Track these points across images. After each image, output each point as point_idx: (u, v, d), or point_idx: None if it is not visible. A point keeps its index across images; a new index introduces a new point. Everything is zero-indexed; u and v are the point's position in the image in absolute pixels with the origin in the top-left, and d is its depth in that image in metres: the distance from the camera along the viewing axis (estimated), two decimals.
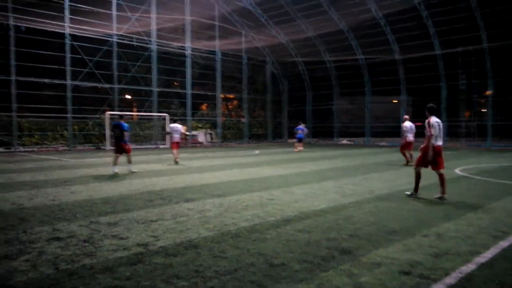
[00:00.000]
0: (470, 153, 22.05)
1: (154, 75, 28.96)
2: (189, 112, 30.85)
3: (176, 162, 15.39)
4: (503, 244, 5.01)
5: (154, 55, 28.73)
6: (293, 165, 15.30)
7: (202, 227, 5.85)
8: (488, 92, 27.86)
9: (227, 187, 9.59)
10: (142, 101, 30.14)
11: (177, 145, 15.86)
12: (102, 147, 25.34)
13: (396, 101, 34.13)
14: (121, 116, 13.60)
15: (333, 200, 7.96)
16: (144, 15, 27.68)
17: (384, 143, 32.05)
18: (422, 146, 8.21)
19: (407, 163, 14.76)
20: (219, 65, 32.75)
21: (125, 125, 12.59)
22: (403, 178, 11.25)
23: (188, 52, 30.54)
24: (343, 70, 34.59)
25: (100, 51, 26.09)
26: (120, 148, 12.60)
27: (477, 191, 9.04)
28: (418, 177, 8.29)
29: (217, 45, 32.23)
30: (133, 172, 12.41)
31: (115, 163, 12.29)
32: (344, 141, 34.51)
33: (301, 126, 24.38)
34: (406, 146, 15.17)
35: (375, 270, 4.15)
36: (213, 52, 32.39)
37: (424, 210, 7.03)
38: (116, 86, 27.08)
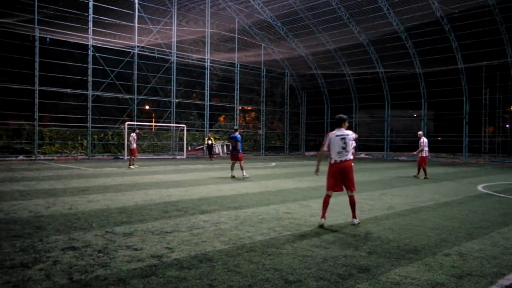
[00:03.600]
0: (493, 169, 21.46)
1: (174, 86, 29.30)
2: (207, 123, 31.03)
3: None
4: None
5: (173, 67, 29.11)
6: (310, 178, 15.13)
7: (217, 240, 5.78)
8: None
9: (243, 200, 9.51)
10: (161, 112, 30.50)
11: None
12: (121, 157, 25.64)
13: (416, 115, 33.63)
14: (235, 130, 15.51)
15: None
16: (165, 27, 28.16)
17: (403, 158, 31.51)
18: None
19: (425, 177, 15.40)
20: (238, 77, 32.95)
21: (239, 136, 14.82)
22: (425, 194, 10.98)
23: (207, 64, 30.85)
24: (363, 83, 34.36)
25: (122, 63, 26.57)
26: (235, 156, 14.89)
27: (501, 210, 8.72)
28: (327, 202, 6.95)
29: (236, 57, 32.48)
30: (245, 177, 14.44)
31: (232, 169, 14.96)
32: (362, 155, 34.09)
33: None
34: (423, 161, 15.68)
35: None
36: (232, 64, 32.64)
37: (446, 228, 6.80)
38: (136, 96, 27.48)
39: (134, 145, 19.38)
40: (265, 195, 10.42)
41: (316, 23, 31.35)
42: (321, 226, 6.71)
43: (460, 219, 7.61)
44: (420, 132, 16.42)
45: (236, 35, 32.07)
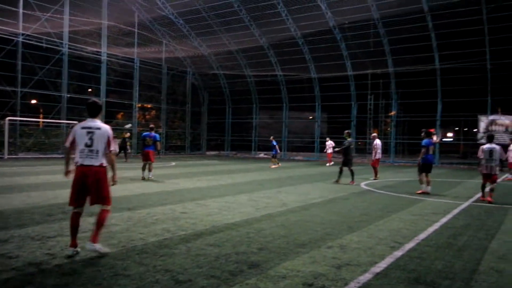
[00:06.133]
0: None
1: (65, 80, 27.17)
2: (102, 120, 29.32)
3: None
4: (398, 253, 5.38)
5: (65, 59, 27.00)
6: (209, 177, 15.20)
7: (106, 243, 5.49)
8: (392, 113, 30.31)
9: (139, 200, 9.19)
10: (51, 107, 28.05)
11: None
12: (0, 156, 23.02)
13: (311, 118, 35.71)
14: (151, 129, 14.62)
15: (246, 214, 7.99)
16: (56, 15, 25.96)
17: (300, 157, 33.24)
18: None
19: (375, 178, 15.69)
20: (137, 73, 31.75)
21: (157, 136, 14.37)
22: (316, 192, 11.71)
23: (104, 58, 29.19)
24: (263, 85, 35.48)
25: (3, 51, 23.88)
26: (148, 156, 13.94)
27: (380, 205, 9.67)
28: (74, 223, 5.06)
29: (136, 52, 31.27)
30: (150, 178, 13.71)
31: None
32: (262, 155, 35.19)
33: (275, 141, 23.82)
34: (376, 162, 15.98)
35: (280, 283, 4.19)
36: (132, 60, 31.34)
37: (331, 223, 7.33)
38: (19, 89, 24.90)
39: None
40: (162, 195, 10.21)
41: (219, 23, 31.56)
42: (70, 256, 4.82)
43: (344, 214, 8.27)
44: (373, 134, 16.80)
45: (136, 30, 30.87)
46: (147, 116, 37.52)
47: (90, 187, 4.94)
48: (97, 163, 4.95)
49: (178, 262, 4.76)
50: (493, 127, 25.58)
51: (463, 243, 6.09)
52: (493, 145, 10.51)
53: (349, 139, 14.33)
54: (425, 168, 11.84)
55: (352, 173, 14.18)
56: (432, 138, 12.33)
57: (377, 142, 16.01)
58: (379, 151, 15.90)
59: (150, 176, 13.86)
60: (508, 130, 25.45)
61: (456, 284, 4.32)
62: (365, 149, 32.48)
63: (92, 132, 5.00)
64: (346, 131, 14.65)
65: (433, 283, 4.32)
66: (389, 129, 35.67)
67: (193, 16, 31.24)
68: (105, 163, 5.03)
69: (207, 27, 32.08)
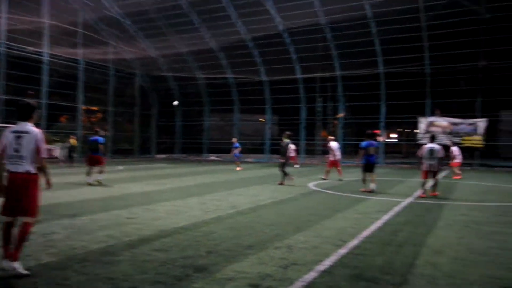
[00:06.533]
0: (323, 169, 24.22)
1: (1, 81, 25.60)
2: (44, 123, 27.90)
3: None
4: (342, 251, 5.55)
5: (2, 58, 25.45)
6: (158, 181, 14.91)
7: (44, 252, 5.23)
8: (340, 115, 31.27)
9: (82, 206, 8.83)
10: None
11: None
12: None
13: (263, 120, 36.03)
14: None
15: (195, 217, 7.91)
16: None
17: (250, 159, 33.39)
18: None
19: (324, 178, 16.17)
20: (82, 75, 30.55)
21: (101, 139, 13.84)
22: (265, 193, 11.81)
23: (45, 58, 27.82)
24: (214, 87, 35.35)
25: None
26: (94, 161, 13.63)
27: (326, 204, 9.93)
28: (5, 234, 4.56)
29: (81, 53, 30.06)
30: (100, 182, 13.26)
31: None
32: (213, 157, 35.02)
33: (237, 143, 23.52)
34: (333, 164, 16.55)
35: (227, 285, 4.19)
36: (76, 61, 30.09)
37: (280, 224, 7.43)
38: None
39: None
40: (107, 200, 9.87)
41: (168, 25, 31.09)
42: (3, 268, 4.32)
43: (292, 215, 8.42)
44: (330, 137, 17.53)
45: (80, 30, 29.69)
46: (93, 119, 36.15)
47: (15, 195, 4.51)
48: (23, 170, 4.53)
49: (122, 269, 4.62)
50: (432, 128, 27.08)
51: (402, 239, 6.40)
52: (434, 145, 11.43)
53: (285, 141, 14.50)
54: (367, 168, 12.50)
55: (285, 174, 14.27)
56: (375, 140, 13.05)
57: (331, 144, 16.68)
58: (336, 153, 16.49)
59: (100, 179, 13.42)
60: (445, 131, 27.02)
61: (395, 278, 4.52)
62: (314, 150, 33.26)
63: (20, 137, 4.56)
64: (285, 132, 14.93)
65: (374, 278, 4.50)
66: (335, 131, 36.78)
67: (141, 17, 30.58)
68: (33, 170, 4.60)
69: (156, 29, 31.50)
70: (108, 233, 6.36)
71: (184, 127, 37.49)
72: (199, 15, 29.77)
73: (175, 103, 30.29)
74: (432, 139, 11.96)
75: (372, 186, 12.33)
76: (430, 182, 11.73)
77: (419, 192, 11.90)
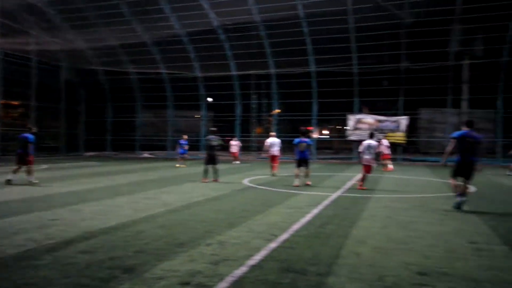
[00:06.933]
0: (259, 165, 24.64)
1: None
2: None
3: None
4: (272, 245, 5.67)
5: None
6: (86, 180, 14.22)
7: None
8: (276, 111, 31.87)
9: (0, 209, 8.18)
10: None
11: None
12: None
13: (198, 116, 35.68)
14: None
15: (124, 216, 7.66)
16: None
17: (186, 156, 32.86)
18: None
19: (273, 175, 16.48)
20: (0, 66, 28.19)
21: (32, 137, 13.31)
22: (198, 190, 11.73)
23: None
24: (147, 82, 34.36)
25: None
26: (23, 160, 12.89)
27: (260, 200, 10.08)
28: None
29: None
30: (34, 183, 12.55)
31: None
32: (146, 155, 34.07)
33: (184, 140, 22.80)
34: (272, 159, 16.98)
35: (156, 284, 4.11)
36: None
37: (212, 220, 7.42)
38: None
39: None
40: (28, 201, 9.23)
41: (97, 16, 29.64)
42: None
43: (226, 211, 8.44)
44: (271, 133, 18.46)
45: None
46: (13, 115, 33.53)
47: None
48: None
49: (42, 274, 4.36)
50: (359, 125, 28.51)
51: (330, 231, 6.68)
52: (372, 141, 12.61)
53: (209, 136, 14.57)
54: (299, 163, 13.18)
55: (206, 172, 14.17)
56: (308, 137, 13.63)
57: (267, 140, 17.31)
58: (274, 148, 16.93)
59: (32, 180, 12.71)
60: (371, 128, 28.59)
61: (321, 269, 4.72)
62: (249, 147, 33.57)
63: None
64: (210, 128, 15.15)
65: (301, 270, 4.66)
66: (270, 127, 37.40)
67: (66, 7, 28.84)
68: None
69: (83, 19, 29.89)
70: (28, 236, 5.96)
71: (115, 123, 36.01)
72: (131, 7, 28.71)
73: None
74: (371, 136, 13.07)
75: (307, 181, 13.01)
76: (359, 176, 12.39)
77: (347, 186, 12.51)
